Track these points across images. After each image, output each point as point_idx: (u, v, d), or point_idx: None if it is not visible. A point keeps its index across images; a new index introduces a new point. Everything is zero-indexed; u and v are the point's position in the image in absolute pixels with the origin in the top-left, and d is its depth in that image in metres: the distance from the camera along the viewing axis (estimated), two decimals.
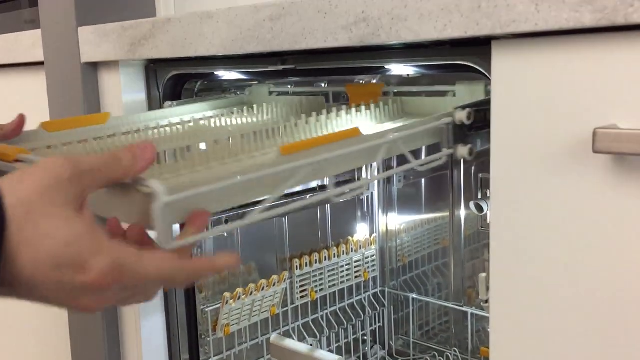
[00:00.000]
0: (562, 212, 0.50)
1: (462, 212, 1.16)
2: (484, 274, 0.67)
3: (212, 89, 0.95)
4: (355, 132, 0.54)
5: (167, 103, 0.87)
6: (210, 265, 0.47)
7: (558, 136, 0.49)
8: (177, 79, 0.88)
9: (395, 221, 1.26)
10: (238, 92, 1.00)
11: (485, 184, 1.13)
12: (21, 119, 0.65)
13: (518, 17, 0.49)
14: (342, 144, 0.52)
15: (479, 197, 1.12)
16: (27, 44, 1.00)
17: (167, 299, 0.96)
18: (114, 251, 0.41)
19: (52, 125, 0.68)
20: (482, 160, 1.14)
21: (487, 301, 0.67)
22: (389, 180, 1.25)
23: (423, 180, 1.26)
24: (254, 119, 0.79)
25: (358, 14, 0.58)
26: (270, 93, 0.94)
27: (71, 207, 0.40)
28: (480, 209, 1.05)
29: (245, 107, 0.81)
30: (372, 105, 0.72)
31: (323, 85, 1.01)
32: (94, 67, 0.91)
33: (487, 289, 0.75)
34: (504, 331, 0.55)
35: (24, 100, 1.06)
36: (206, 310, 1.00)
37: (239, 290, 1.01)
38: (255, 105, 0.82)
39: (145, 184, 0.42)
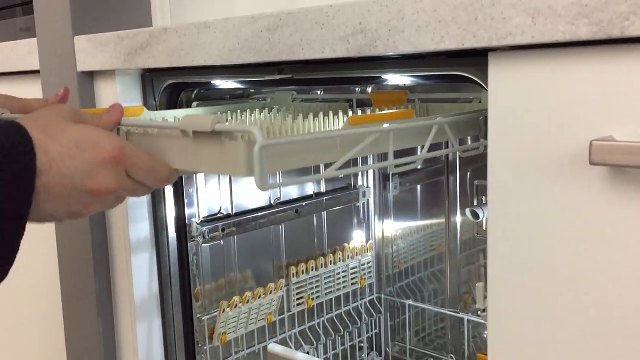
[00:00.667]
0: (559, 223, 0.50)
1: (458, 219, 1.17)
2: (481, 283, 0.67)
3: (209, 98, 0.95)
4: (409, 114, 0.60)
5: (195, 104, 0.92)
6: None
7: (555, 147, 0.50)
8: (173, 87, 0.88)
9: (391, 228, 1.26)
10: (260, 98, 1.02)
11: (481, 191, 1.13)
12: (66, 92, 0.73)
13: (515, 30, 0.49)
14: (401, 121, 0.57)
15: (475, 203, 1.13)
16: (23, 52, 1.00)
17: (163, 307, 0.96)
18: (117, 137, 0.56)
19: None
20: (477, 167, 1.16)
21: (485, 310, 0.67)
22: (385, 186, 1.25)
23: (419, 187, 1.26)
24: (291, 116, 0.81)
25: (355, 26, 0.59)
26: (293, 100, 0.95)
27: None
28: (476, 215, 1.06)
29: (276, 107, 0.82)
30: (402, 108, 0.74)
31: (319, 92, 1.02)
32: (90, 76, 0.91)
33: (485, 297, 0.76)
34: (503, 341, 0.55)
35: None
36: (203, 318, 0.99)
37: (236, 298, 1.01)
38: (285, 107, 0.83)
39: (243, 130, 0.48)
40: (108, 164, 0.53)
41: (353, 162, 0.54)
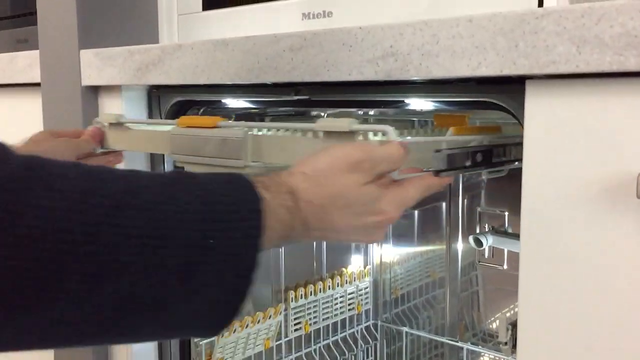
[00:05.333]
0: (599, 260, 0.49)
1: (459, 245, 1.15)
2: (504, 315, 0.65)
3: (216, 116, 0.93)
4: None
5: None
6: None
7: (596, 181, 0.48)
8: (180, 105, 0.86)
9: (389, 253, 1.25)
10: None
11: (483, 218, 1.12)
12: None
13: (558, 58, 0.48)
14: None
15: (478, 230, 1.11)
16: (22, 64, 0.97)
17: None
18: (392, 192, 0.52)
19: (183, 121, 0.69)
20: (477, 193, 1.15)
21: (506, 343, 0.65)
22: None
23: (416, 212, 1.25)
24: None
25: (386, 48, 0.57)
26: None
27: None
28: (479, 243, 1.04)
29: None
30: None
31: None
32: (94, 90, 0.88)
33: (507, 330, 0.74)
34: None
35: (18, 121, 1.03)
36: (200, 343, 0.96)
37: (235, 322, 0.98)
38: None
39: (378, 129, 0.54)
40: (384, 225, 0.54)
41: None
